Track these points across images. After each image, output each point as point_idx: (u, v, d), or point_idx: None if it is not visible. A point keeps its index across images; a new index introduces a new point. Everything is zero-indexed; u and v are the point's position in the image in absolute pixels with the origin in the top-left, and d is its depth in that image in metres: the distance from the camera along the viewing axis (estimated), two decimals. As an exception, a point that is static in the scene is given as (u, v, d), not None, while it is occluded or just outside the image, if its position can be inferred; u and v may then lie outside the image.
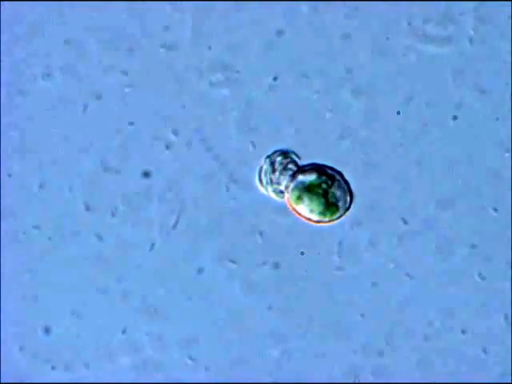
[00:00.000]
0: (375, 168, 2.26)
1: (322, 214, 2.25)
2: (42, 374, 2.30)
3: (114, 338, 2.29)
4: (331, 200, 2.25)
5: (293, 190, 2.25)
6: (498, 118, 2.24)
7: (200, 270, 2.27)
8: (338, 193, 2.25)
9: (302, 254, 2.26)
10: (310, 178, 2.26)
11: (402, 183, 2.26)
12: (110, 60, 2.28)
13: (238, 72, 2.22)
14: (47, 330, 2.29)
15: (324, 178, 2.25)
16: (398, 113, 2.25)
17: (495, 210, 2.24)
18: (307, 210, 2.25)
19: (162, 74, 2.28)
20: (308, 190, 2.25)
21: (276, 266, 2.27)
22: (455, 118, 2.22)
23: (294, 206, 2.25)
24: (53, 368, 2.29)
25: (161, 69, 2.28)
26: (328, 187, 2.25)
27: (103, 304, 2.29)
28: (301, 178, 2.26)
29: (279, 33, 2.26)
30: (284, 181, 2.27)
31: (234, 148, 2.27)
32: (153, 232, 2.27)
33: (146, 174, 2.28)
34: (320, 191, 2.25)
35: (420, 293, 2.25)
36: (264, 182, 2.28)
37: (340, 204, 2.25)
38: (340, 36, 2.25)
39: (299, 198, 2.25)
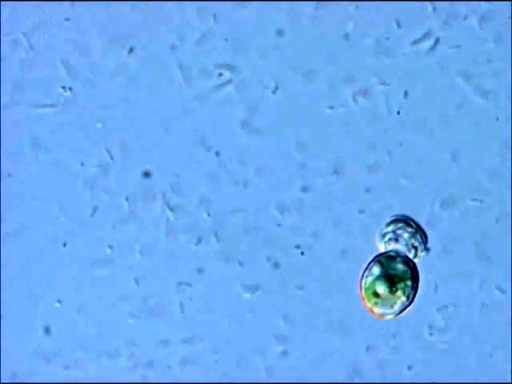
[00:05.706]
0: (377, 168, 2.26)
1: (370, 292, 2.18)
2: (42, 374, 2.30)
3: (114, 337, 2.29)
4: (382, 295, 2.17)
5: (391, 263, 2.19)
6: (497, 118, 2.24)
7: (200, 270, 2.28)
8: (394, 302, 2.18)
9: (302, 254, 2.27)
10: (404, 275, 2.19)
11: (402, 183, 2.26)
12: (112, 59, 2.28)
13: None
14: (47, 330, 2.29)
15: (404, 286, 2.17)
16: (398, 113, 2.25)
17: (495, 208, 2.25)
18: (372, 277, 2.19)
19: (163, 73, 2.29)
20: (395, 275, 2.18)
21: (276, 265, 2.28)
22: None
23: (372, 265, 2.20)
24: (53, 368, 2.29)
25: (163, 68, 2.29)
26: (396, 291, 2.17)
27: (103, 304, 2.29)
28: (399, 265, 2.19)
29: (280, 33, 2.26)
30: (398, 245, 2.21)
31: (237, 148, 2.28)
32: (155, 232, 2.28)
33: (146, 174, 2.28)
34: (400, 286, 2.17)
35: (420, 291, 2.26)
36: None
37: (384, 305, 2.18)
38: (341, 36, 2.26)
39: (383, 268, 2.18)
